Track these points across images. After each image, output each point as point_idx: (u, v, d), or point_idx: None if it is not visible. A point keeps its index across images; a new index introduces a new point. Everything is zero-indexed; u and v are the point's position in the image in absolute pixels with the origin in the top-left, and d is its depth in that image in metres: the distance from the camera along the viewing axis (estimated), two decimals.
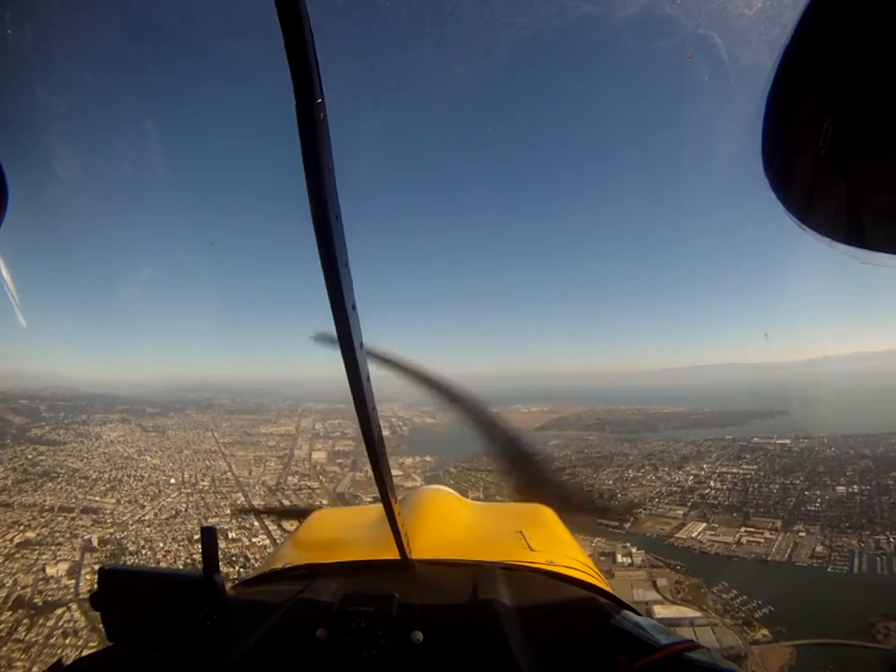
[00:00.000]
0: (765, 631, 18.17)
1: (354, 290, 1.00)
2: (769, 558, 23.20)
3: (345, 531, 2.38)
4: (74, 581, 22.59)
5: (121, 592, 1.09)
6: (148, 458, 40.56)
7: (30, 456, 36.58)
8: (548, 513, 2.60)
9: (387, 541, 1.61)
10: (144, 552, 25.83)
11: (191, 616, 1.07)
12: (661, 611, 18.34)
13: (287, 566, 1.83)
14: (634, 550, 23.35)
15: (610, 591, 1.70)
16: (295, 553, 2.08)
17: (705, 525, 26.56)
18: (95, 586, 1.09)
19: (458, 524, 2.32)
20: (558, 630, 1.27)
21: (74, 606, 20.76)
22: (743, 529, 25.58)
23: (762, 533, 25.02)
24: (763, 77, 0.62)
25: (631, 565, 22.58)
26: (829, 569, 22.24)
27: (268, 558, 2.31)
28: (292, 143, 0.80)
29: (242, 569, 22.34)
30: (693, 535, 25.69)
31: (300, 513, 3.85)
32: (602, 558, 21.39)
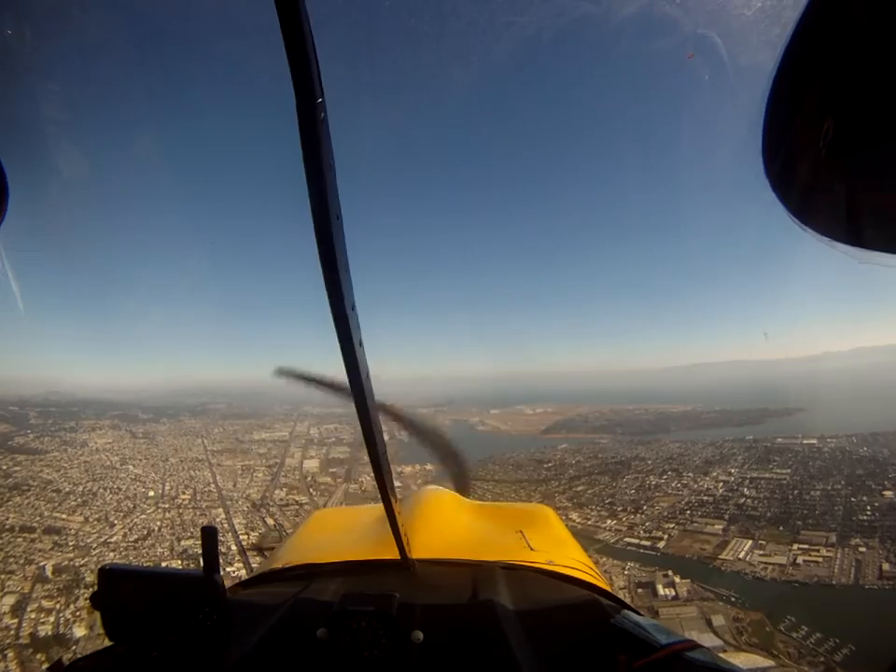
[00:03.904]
0: None
1: (353, 290, 0.99)
2: (833, 581, 20.03)
3: (345, 531, 2.36)
4: (17, 621, 19.30)
5: (121, 591, 1.09)
6: (131, 468, 38.82)
7: (5, 467, 34.55)
8: (548, 513, 2.60)
9: (387, 541, 1.60)
10: None
11: (191, 616, 1.07)
12: None
13: (287, 565, 1.81)
14: (677, 579, 19.92)
15: (610, 591, 1.68)
16: (295, 553, 2.04)
17: (751, 542, 23.34)
18: (95, 586, 1.08)
19: (458, 524, 2.32)
20: (558, 630, 1.26)
21: (11, 654, 17.49)
22: (795, 546, 22.46)
23: (817, 550, 21.92)
24: (763, 76, 0.63)
25: (676, 598, 19.00)
26: None
27: (268, 558, 2.24)
28: (293, 142, 0.80)
29: None
30: (740, 555, 22.43)
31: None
32: (640, 590, 17.88)
